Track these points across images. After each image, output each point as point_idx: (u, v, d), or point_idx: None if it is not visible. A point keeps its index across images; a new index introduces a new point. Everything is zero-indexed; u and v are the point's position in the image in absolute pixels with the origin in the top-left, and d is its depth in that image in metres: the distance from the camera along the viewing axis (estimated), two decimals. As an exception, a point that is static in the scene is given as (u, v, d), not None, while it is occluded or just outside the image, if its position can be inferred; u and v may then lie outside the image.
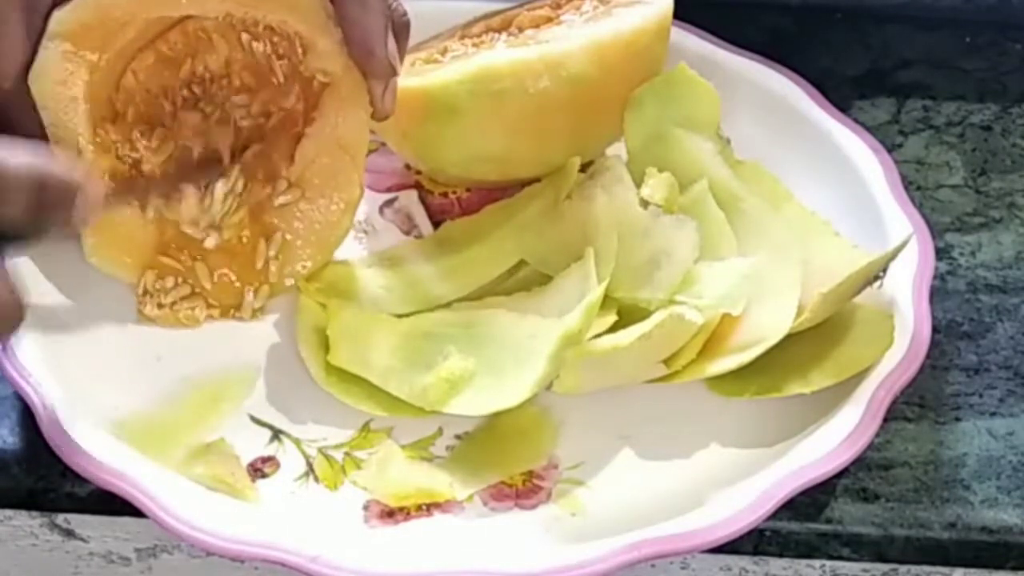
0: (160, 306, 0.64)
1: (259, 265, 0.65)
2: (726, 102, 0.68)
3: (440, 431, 0.62)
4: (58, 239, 0.57)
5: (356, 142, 0.64)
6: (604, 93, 0.66)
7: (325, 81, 0.63)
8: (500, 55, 0.65)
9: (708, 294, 0.61)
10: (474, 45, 0.69)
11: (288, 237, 0.65)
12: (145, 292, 0.64)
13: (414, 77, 0.66)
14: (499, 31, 0.70)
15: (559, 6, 0.70)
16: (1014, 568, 0.59)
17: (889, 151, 0.70)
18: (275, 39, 0.64)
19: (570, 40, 0.65)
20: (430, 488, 0.60)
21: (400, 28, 0.62)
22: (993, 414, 0.63)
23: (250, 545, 0.55)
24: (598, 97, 0.66)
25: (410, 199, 0.71)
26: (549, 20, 0.69)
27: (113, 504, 0.57)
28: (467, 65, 0.65)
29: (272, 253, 0.65)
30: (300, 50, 0.63)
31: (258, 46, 0.64)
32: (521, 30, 0.69)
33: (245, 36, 0.64)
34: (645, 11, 0.66)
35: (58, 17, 0.60)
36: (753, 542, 0.58)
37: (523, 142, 0.66)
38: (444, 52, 0.68)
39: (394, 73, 0.62)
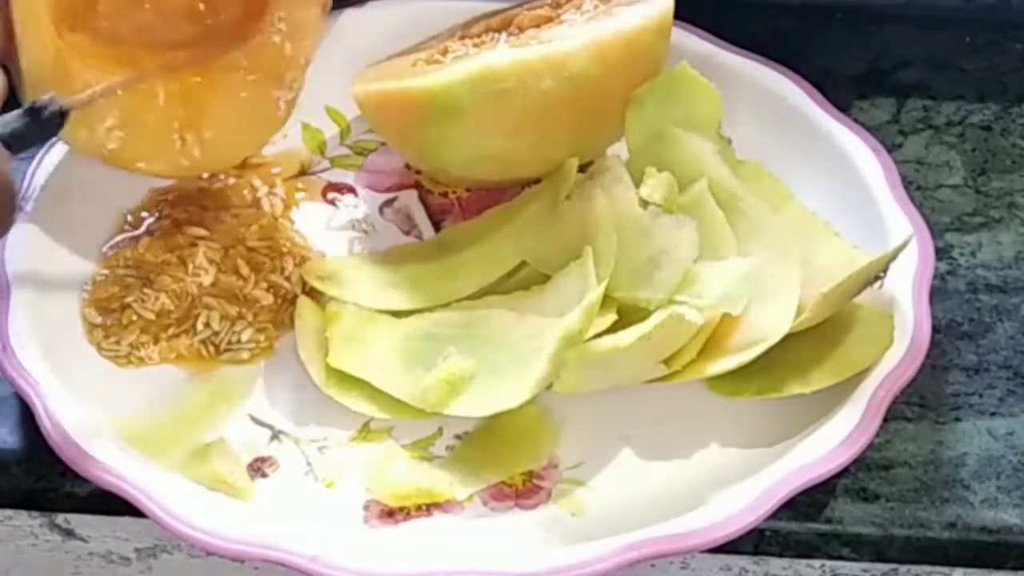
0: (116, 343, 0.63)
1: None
2: (726, 102, 0.67)
3: (440, 431, 0.62)
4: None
5: (305, 33, 0.65)
6: (606, 92, 0.66)
7: None
8: (502, 55, 0.65)
9: (708, 294, 0.61)
10: (475, 45, 0.69)
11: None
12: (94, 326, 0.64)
13: (416, 77, 0.66)
14: (499, 31, 0.70)
15: (559, 5, 0.70)
16: (1014, 568, 0.59)
17: (889, 151, 0.70)
18: None
19: (572, 39, 0.65)
20: (430, 488, 0.60)
21: None
22: (993, 414, 0.63)
23: (250, 545, 0.55)
24: (600, 96, 0.66)
25: (410, 199, 0.71)
26: (549, 20, 0.69)
27: (113, 504, 0.57)
28: (469, 65, 0.64)
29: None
30: None
31: None
32: (521, 30, 0.69)
33: None
34: (646, 9, 0.66)
35: None
36: (753, 542, 0.58)
37: (525, 142, 0.66)
38: (445, 52, 0.68)
39: None
